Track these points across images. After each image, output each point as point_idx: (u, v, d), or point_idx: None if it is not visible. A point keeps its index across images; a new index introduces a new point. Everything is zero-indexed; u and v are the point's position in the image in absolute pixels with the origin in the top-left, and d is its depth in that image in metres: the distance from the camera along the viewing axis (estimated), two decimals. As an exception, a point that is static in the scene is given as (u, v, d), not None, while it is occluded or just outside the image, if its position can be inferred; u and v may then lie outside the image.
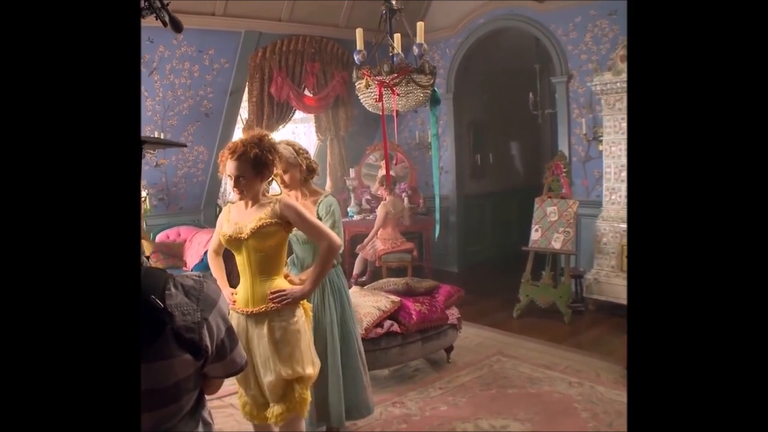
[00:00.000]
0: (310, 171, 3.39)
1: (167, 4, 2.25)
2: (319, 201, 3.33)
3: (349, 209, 8.12)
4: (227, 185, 7.94)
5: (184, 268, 6.43)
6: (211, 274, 2.12)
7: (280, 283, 2.82)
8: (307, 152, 3.41)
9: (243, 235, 2.73)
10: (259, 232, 2.71)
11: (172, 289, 1.43)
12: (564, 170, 6.21)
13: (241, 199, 2.79)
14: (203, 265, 6.22)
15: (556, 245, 6.00)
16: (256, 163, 2.69)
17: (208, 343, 1.47)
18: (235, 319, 2.83)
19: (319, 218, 3.15)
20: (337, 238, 2.87)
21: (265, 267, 2.79)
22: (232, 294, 2.89)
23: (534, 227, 6.20)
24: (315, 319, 3.33)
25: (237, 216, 2.83)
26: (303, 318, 2.86)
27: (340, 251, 3.03)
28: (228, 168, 2.72)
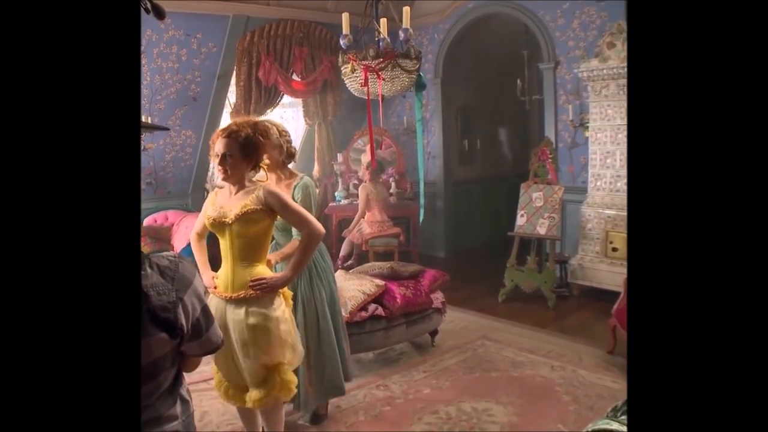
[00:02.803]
0: (289, 155, 3.36)
1: (150, -9, 2.24)
2: (295, 184, 3.30)
3: (336, 194, 8.11)
4: (215, 169, 7.93)
5: (169, 252, 6.41)
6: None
7: (261, 270, 2.81)
8: (288, 135, 3.38)
9: (227, 219, 2.72)
10: (243, 218, 2.69)
11: (147, 270, 1.45)
12: (550, 156, 6.23)
13: (224, 179, 2.75)
14: (191, 249, 6.20)
15: (542, 231, 6.03)
16: (246, 143, 2.67)
17: (184, 322, 1.49)
18: (214, 304, 2.82)
19: (295, 200, 3.12)
20: (320, 226, 2.86)
21: (248, 253, 2.78)
22: (213, 278, 2.89)
23: (520, 213, 6.22)
24: (304, 302, 3.37)
25: (222, 201, 2.82)
26: (283, 305, 2.85)
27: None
28: (217, 146, 2.70)
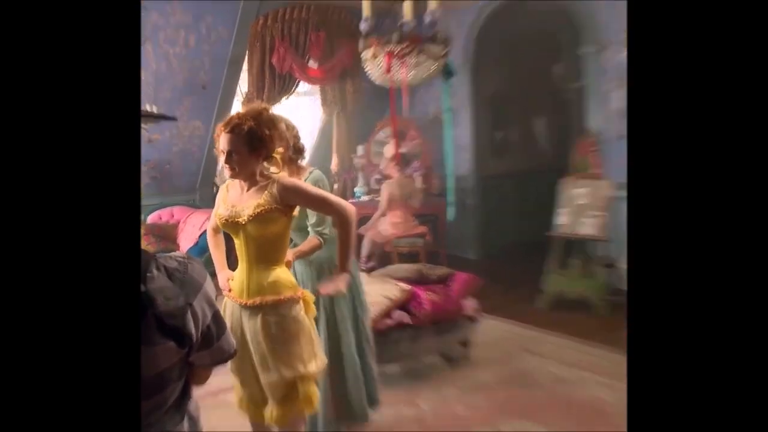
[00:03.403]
0: (297, 151, 3.29)
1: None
2: (304, 179, 3.24)
3: (356, 189, 8.12)
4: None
5: (177, 252, 6.40)
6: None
7: (280, 273, 2.72)
8: (295, 130, 3.32)
9: (241, 220, 2.64)
10: (258, 218, 2.62)
11: (154, 272, 1.44)
12: (594, 149, 6.05)
13: (232, 177, 2.69)
14: (198, 249, 6.22)
15: (585, 230, 5.86)
16: (251, 138, 2.58)
17: (193, 330, 1.48)
18: (229, 309, 2.78)
19: None
20: (349, 205, 2.77)
21: (265, 255, 2.71)
22: (229, 280, 2.83)
23: (560, 211, 6.06)
24: (327, 310, 3.34)
25: (234, 198, 2.75)
26: (302, 311, 2.75)
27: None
28: (221, 142, 2.63)
